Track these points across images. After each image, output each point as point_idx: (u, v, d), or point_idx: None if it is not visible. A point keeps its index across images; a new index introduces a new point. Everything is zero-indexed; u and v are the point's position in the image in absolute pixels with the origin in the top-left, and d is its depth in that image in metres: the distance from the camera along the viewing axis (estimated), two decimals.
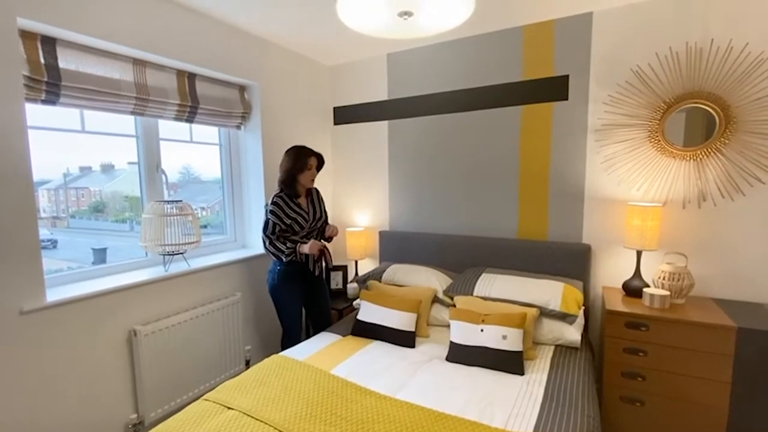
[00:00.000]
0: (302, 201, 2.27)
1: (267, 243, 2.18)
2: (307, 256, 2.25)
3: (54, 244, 2.08)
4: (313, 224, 2.29)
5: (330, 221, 2.44)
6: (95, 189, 2.20)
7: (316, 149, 3.09)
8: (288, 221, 2.17)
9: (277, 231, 2.17)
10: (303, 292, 2.33)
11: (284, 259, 2.16)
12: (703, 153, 2.05)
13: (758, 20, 1.90)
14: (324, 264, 2.33)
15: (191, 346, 2.19)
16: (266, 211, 2.20)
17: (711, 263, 2.10)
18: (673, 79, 2.08)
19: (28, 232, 1.60)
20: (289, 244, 2.16)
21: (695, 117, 2.04)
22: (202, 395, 2.00)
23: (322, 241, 2.34)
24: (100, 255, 2.16)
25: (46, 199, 2.06)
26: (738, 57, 1.94)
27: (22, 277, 1.59)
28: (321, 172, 2.40)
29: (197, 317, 2.21)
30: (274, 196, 2.20)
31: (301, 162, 2.19)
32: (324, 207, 2.40)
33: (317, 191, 2.41)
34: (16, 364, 1.59)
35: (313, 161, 2.23)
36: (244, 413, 1.44)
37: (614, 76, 2.22)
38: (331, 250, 2.39)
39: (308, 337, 2.68)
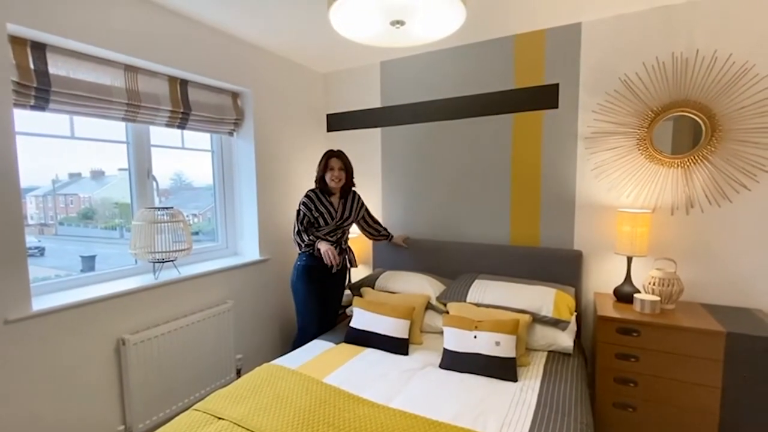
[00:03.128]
0: (334, 200, 2.39)
1: (294, 230, 2.34)
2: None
3: (41, 251, 2.04)
4: (339, 222, 2.38)
5: None
6: (84, 195, 2.18)
7: (309, 156, 3.13)
8: (315, 214, 2.31)
9: (305, 221, 2.31)
10: (320, 290, 2.38)
11: (302, 248, 2.32)
12: (690, 160, 2.09)
13: (742, 31, 1.95)
14: (343, 263, 2.46)
15: (181, 355, 2.15)
16: (300, 202, 2.35)
17: (699, 269, 2.13)
18: (660, 88, 2.12)
19: (14, 239, 1.57)
20: (311, 237, 2.31)
21: (682, 125, 2.08)
22: (192, 405, 1.97)
23: (344, 246, 2.46)
24: (89, 262, 2.12)
25: (33, 205, 2.03)
26: (723, 67, 1.99)
27: (7, 285, 1.56)
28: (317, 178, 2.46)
29: (187, 326, 2.18)
30: (309, 190, 2.37)
31: (322, 163, 2.35)
32: (358, 211, 2.52)
33: (355, 195, 2.50)
34: (0, 375, 1.55)
35: (333, 162, 2.33)
36: (234, 423, 1.42)
37: (603, 84, 2.26)
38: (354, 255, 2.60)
39: None
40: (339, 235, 2.41)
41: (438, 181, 2.81)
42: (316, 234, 2.34)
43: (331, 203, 2.36)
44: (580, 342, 2.33)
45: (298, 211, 2.32)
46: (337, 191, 2.40)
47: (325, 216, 2.32)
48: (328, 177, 2.33)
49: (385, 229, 2.72)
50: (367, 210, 2.61)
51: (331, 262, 2.20)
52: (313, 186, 2.42)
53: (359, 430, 1.37)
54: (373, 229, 2.66)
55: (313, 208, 2.31)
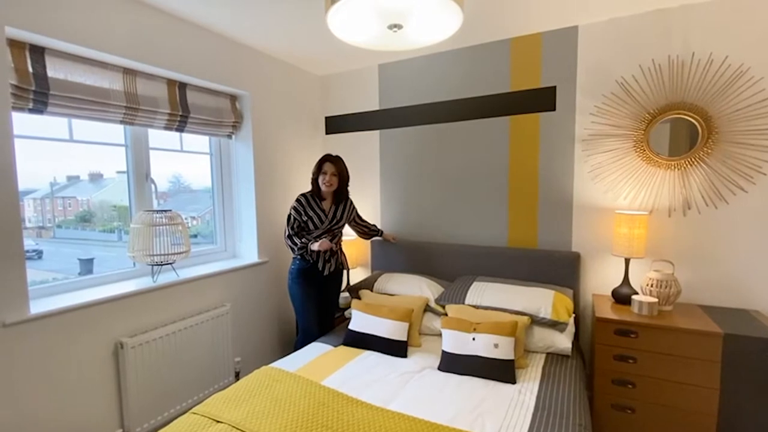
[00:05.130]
0: (326, 204, 2.41)
1: (285, 235, 2.35)
2: (317, 255, 2.36)
3: (39, 254, 2.04)
4: (329, 226, 2.39)
5: None
6: (83, 198, 2.17)
7: (308, 158, 3.14)
8: (305, 218, 2.33)
9: (295, 225, 2.33)
10: (317, 292, 2.40)
11: (296, 252, 2.33)
12: (687, 162, 2.10)
13: (737, 33, 1.96)
14: (335, 265, 2.46)
15: (179, 359, 2.15)
16: (291, 206, 2.37)
17: (697, 270, 2.13)
18: (657, 90, 2.13)
19: (12, 242, 1.57)
20: (303, 240, 2.31)
21: (679, 127, 2.09)
22: (191, 408, 1.96)
23: (336, 244, 2.47)
24: (87, 265, 2.12)
25: (31, 208, 2.02)
26: (718, 69, 2.00)
27: (5, 288, 1.56)
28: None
29: (186, 329, 2.18)
30: (300, 194, 2.39)
31: (316, 166, 2.38)
32: (350, 214, 2.53)
33: (347, 201, 2.50)
34: None
35: (327, 167, 2.35)
36: (233, 427, 1.42)
37: (600, 87, 2.27)
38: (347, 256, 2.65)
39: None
40: (329, 238, 2.41)
41: (436, 183, 2.82)
42: (308, 237, 2.36)
43: (322, 208, 2.37)
44: (579, 344, 2.33)
45: (289, 216, 2.35)
46: (329, 196, 2.41)
47: (315, 220, 2.34)
48: (320, 180, 2.35)
49: (375, 226, 2.76)
50: (357, 212, 2.64)
51: (327, 248, 2.26)
52: (310, 188, 2.43)
53: None
54: (363, 227, 2.69)
55: (303, 213, 2.32)
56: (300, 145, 3.06)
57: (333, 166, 2.35)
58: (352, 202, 2.56)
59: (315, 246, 2.25)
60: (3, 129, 1.53)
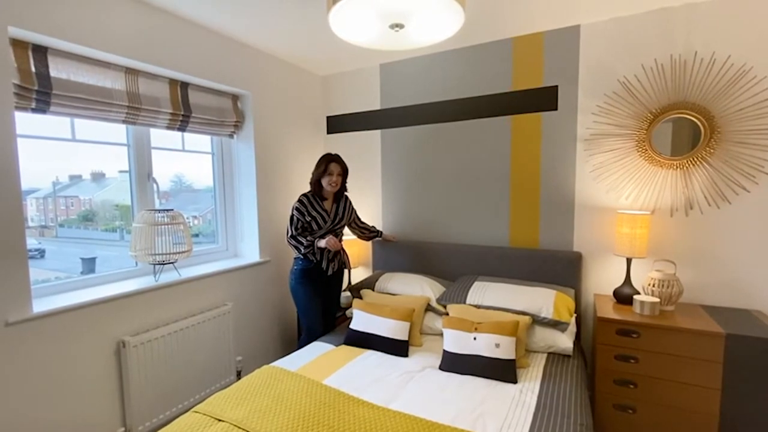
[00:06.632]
0: (328, 204, 2.42)
1: (288, 235, 2.34)
2: (321, 255, 2.37)
3: (42, 253, 2.05)
4: (332, 226, 2.41)
5: None
6: (85, 198, 2.18)
7: (309, 158, 3.14)
8: (308, 218, 2.33)
9: (299, 225, 2.33)
10: (320, 291, 2.41)
11: (302, 251, 2.31)
12: (689, 162, 2.09)
13: (740, 33, 1.96)
14: (338, 264, 2.48)
15: (181, 357, 2.16)
16: (293, 207, 2.35)
17: (699, 270, 2.13)
18: (659, 90, 2.13)
19: (15, 241, 1.57)
20: (309, 238, 2.31)
21: (681, 127, 2.09)
22: (192, 407, 1.97)
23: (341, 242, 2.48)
24: (89, 265, 2.13)
25: (34, 208, 2.03)
26: (721, 69, 1.99)
27: (8, 287, 1.56)
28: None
29: (188, 328, 2.18)
30: (302, 194, 2.37)
31: (321, 167, 2.35)
32: (350, 214, 2.54)
33: (347, 199, 2.52)
34: (1, 377, 1.56)
35: (333, 167, 2.34)
36: (234, 425, 1.42)
37: (602, 86, 2.27)
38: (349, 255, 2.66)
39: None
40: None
41: (437, 182, 2.82)
42: (312, 236, 2.36)
43: (324, 208, 2.38)
44: (580, 343, 2.33)
45: (292, 216, 2.34)
46: (330, 196, 2.42)
47: (318, 220, 2.35)
48: (325, 181, 2.33)
49: (374, 227, 2.77)
50: (356, 214, 2.64)
51: (333, 247, 2.25)
52: (310, 189, 2.42)
53: None
54: (363, 229, 2.70)
55: (306, 213, 2.32)
56: (301, 145, 3.07)
57: (338, 166, 2.35)
58: (351, 203, 2.57)
59: (322, 243, 2.25)
60: (6, 129, 1.54)
